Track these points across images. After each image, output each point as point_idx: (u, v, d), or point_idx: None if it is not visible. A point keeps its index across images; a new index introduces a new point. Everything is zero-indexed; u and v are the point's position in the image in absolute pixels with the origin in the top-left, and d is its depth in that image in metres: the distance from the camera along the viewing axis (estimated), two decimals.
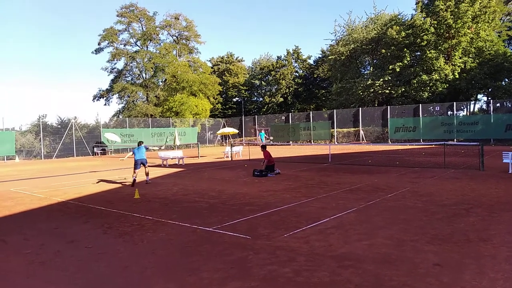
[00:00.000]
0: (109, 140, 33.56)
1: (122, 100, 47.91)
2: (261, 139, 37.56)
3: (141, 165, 13.01)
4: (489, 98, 36.88)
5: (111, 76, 48.12)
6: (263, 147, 15.16)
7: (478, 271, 4.27)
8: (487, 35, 36.25)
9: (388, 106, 37.96)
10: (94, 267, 4.84)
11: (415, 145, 29.51)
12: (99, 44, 45.52)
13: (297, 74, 57.17)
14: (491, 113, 32.04)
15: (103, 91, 47.76)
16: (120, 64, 54.93)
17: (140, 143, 13.86)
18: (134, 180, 12.46)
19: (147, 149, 13.86)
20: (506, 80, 38.01)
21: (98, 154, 34.91)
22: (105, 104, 50.86)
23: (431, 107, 37.61)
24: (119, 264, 4.95)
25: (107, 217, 7.72)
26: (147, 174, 13.20)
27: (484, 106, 40.83)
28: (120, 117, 45.77)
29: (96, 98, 48.36)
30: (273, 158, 14.66)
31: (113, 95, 47.06)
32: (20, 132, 34.70)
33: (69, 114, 64.24)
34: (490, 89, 36.85)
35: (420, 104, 35.83)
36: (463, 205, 7.79)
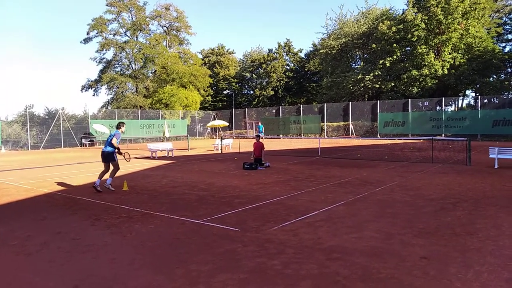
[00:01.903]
0: (97, 132, 33.25)
1: (111, 91, 47.45)
2: (260, 131, 37.35)
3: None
4: (477, 94, 37.39)
5: (100, 67, 47.64)
6: (258, 137, 15.18)
7: (463, 264, 4.34)
8: (476, 32, 36.62)
9: (378, 101, 38.21)
10: (81, 259, 4.80)
11: (404, 139, 29.81)
12: (87, 33, 44.89)
13: (288, 68, 57.12)
14: (479, 109, 32.49)
15: (91, 81, 47.18)
16: (109, 54, 54.22)
17: (119, 125, 9.93)
18: (94, 186, 9.40)
19: (109, 140, 9.57)
20: (494, 76, 38.55)
21: (86, 145, 34.53)
22: (93, 95, 50.43)
23: (420, 102, 38.01)
24: (107, 256, 4.91)
25: (95, 209, 7.64)
26: (110, 173, 9.71)
27: (472, 102, 41.40)
28: (109, 108, 45.29)
29: (85, 89, 47.81)
30: (261, 152, 14.59)
31: (102, 85, 46.55)
32: (6, 122, 34.08)
33: (57, 105, 63.42)
34: (478, 85, 37.35)
35: (410, 99, 36.16)
36: (450, 199, 7.89)
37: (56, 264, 4.64)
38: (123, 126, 9.98)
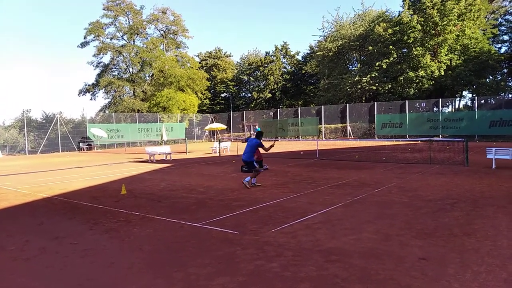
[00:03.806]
0: (95, 136, 33.25)
1: (109, 95, 47.38)
2: None
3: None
4: (474, 95, 37.51)
5: (97, 71, 47.59)
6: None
7: (461, 264, 4.35)
8: (472, 33, 36.79)
9: (375, 102, 38.29)
10: (79, 264, 4.78)
11: (401, 141, 29.86)
12: (84, 37, 44.86)
13: (285, 70, 57.23)
14: (476, 110, 32.61)
15: (89, 85, 47.12)
16: (106, 58, 54.16)
17: (258, 134, 10.84)
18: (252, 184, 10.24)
19: (257, 143, 10.57)
20: (490, 77, 38.71)
21: (84, 150, 34.47)
22: (91, 99, 50.43)
23: (417, 104, 38.10)
24: (106, 260, 4.90)
25: (93, 213, 7.62)
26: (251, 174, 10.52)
27: (469, 103, 41.54)
28: (107, 112, 45.25)
29: (82, 93, 47.73)
30: (261, 154, 14.64)
31: (99, 89, 46.49)
32: (3, 127, 34.00)
33: (54, 109, 63.24)
34: (474, 86, 37.50)
35: (407, 101, 36.25)
36: (447, 200, 7.92)
37: (54, 269, 4.63)
38: (261, 136, 10.84)
